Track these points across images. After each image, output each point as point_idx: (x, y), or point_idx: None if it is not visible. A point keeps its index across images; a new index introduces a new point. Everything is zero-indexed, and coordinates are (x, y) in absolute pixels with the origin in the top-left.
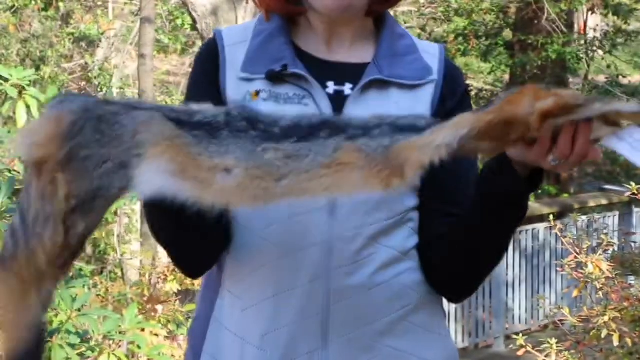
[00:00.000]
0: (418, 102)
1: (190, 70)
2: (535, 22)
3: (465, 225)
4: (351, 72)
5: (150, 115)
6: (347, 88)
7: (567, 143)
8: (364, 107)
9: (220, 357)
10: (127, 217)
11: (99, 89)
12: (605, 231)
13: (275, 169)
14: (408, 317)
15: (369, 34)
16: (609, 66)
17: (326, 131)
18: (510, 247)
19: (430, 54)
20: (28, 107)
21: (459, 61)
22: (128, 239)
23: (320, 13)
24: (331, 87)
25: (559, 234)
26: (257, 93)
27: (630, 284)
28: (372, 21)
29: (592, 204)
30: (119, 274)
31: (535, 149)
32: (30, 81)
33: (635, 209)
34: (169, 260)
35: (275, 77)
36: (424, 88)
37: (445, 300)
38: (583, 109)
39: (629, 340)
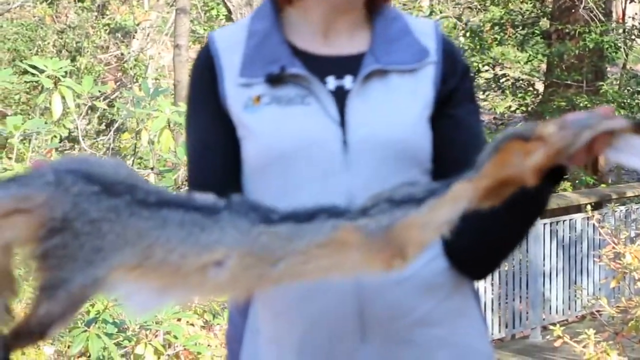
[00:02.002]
0: (419, 85)
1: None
2: (573, 10)
3: (484, 219)
4: (350, 64)
5: (135, 225)
6: (347, 82)
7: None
8: (366, 99)
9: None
10: None
11: (134, 80)
12: None
13: (270, 252)
14: (442, 304)
15: (362, 21)
16: None
17: (324, 214)
18: (548, 238)
19: (426, 33)
20: (63, 97)
21: (495, 50)
22: None
23: None
24: (332, 82)
25: (596, 224)
26: (259, 98)
27: None
28: (365, 7)
29: (630, 194)
30: None
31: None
32: (65, 72)
33: None
34: None
35: (275, 80)
36: (423, 70)
37: (481, 290)
38: (574, 145)
39: None
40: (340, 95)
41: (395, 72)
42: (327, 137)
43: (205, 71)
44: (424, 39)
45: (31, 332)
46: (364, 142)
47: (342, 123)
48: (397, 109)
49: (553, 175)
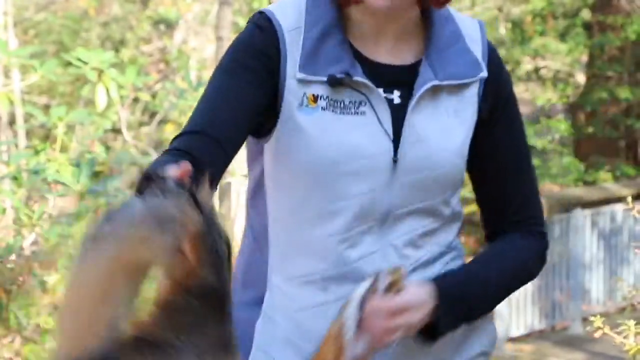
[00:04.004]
0: (464, 104)
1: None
2: (615, 1)
3: None
4: (398, 77)
5: None
6: (395, 96)
7: None
8: (419, 116)
9: (274, 354)
10: None
11: (177, 71)
12: None
13: None
14: None
15: (414, 26)
16: None
17: None
18: (588, 229)
19: (474, 39)
20: (107, 89)
21: (537, 42)
22: None
23: (370, 7)
24: (381, 93)
25: (637, 215)
26: (315, 98)
27: None
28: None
29: None
30: None
31: None
32: (109, 64)
33: None
34: None
35: (336, 83)
36: (470, 87)
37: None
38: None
39: None
40: (392, 109)
41: (445, 89)
42: (379, 151)
43: (270, 47)
44: (473, 47)
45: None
46: (414, 162)
47: (394, 138)
48: (446, 132)
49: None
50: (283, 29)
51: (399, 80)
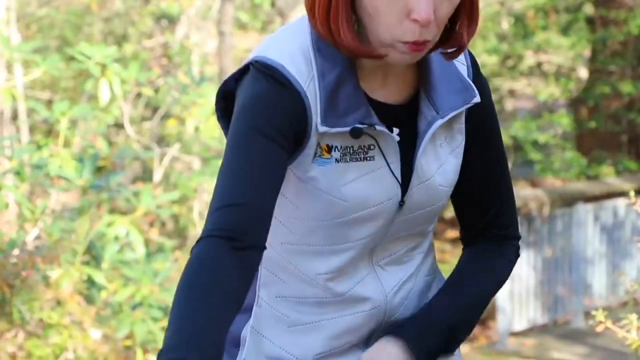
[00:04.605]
0: (454, 132)
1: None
2: None
3: None
4: (398, 114)
5: None
6: (394, 134)
7: None
8: (424, 158)
9: None
10: (207, 193)
11: (179, 67)
12: None
13: None
14: None
15: None
16: None
17: None
18: (591, 223)
19: (459, 60)
20: (110, 84)
21: (539, 37)
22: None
23: (391, 62)
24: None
25: (639, 210)
26: (329, 149)
27: None
28: None
29: None
30: None
31: None
32: (112, 59)
33: None
34: None
35: (360, 134)
36: (461, 114)
37: (524, 276)
38: None
39: None
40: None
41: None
42: (387, 198)
43: (300, 112)
44: (460, 67)
45: None
46: (417, 202)
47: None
48: (443, 166)
49: None
50: (302, 86)
51: (398, 118)
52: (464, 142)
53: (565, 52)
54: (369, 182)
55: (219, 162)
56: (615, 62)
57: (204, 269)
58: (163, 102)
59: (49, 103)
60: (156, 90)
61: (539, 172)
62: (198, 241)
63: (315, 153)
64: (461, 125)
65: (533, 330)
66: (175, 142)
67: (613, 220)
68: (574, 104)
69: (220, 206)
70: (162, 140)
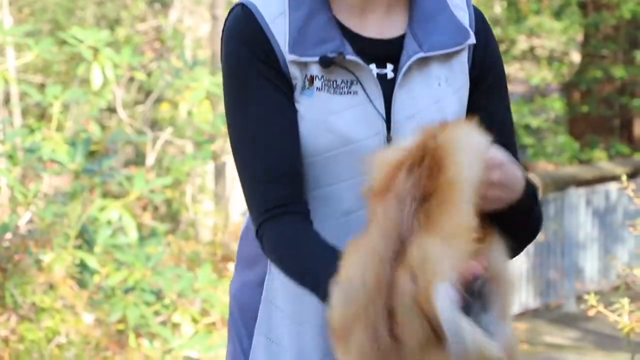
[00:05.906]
0: (455, 73)
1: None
2: None
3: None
4: (389, 50)
5: None
6: (389, 70)
7: None
8: (409, 91)
9: (276, 339)
10: (199, 177)
11: (172, 50)
12: None
13: None
14: None
15: None
16: None
17: None
18: (583, 207)
19: (459, 6)
20: (102, 68)
21: (532, 21)
22: (200, 199)
23: None
24: (374, 70)
25: (631, 194)
26: (312, 79)
27: None
28: None
29: None
30: (192, 233)
31: None
32: (104, 43)
33: None
34: (240, 220)
35: (328, 63)
36: (459, 55)
37: (516, 260)
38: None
39: None
40: (383, 85)
41: (435, 59)
42: (372, 133)
43: (257, 47)
44: (459, 13)
45: None
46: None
47: (386, 117)
48: (439, 103)
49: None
50: (265, 17)
51: (390, 54)
52: (468, 84)
53: (557, 36)
54: (352, 115)
55: (212, 146)
56: (607, 46)
57: (299, 242)
58: (156, 86)
59: (42, 87)
60: (149, 74)
61: (532, 157)
62: (264, 222)
63: (304, 86)
64: (464, 66)
65: (525, 315)
66: (168, 126)
67: (605, 204)
68: (567, 88)
69: (266, 180)
70: (154, 125)
